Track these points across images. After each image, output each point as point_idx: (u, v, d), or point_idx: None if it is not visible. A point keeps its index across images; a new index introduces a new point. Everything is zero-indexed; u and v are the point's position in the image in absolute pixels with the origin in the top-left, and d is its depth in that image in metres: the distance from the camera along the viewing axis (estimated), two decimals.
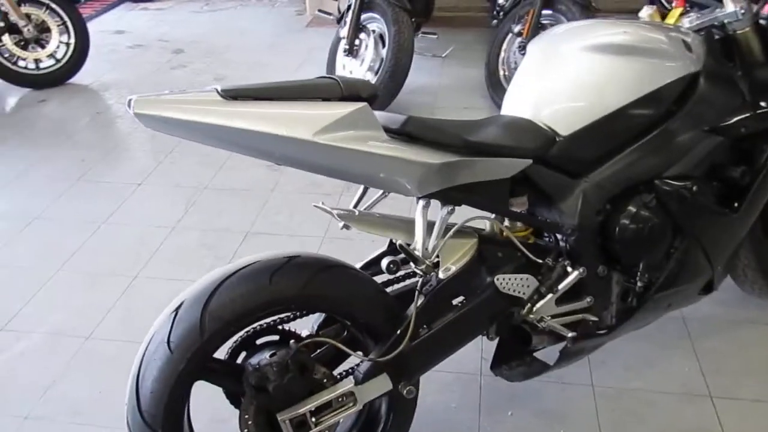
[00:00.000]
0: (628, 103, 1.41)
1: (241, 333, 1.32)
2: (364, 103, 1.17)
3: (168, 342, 1.19)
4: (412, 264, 1.25)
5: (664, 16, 1.82)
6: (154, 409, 1.18)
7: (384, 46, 3.24)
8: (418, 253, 1.24)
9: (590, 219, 1.42)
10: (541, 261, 1.42)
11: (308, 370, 1.28)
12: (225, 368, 1.30)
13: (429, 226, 1.29)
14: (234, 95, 1.10)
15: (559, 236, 1.46)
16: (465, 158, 1.25)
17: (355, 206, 1.38)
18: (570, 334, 1.44)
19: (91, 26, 4.55)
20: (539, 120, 1.43)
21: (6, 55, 3.92)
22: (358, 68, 3.38)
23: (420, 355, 1.35)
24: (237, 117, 1.08)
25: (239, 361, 1.34)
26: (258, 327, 1.35)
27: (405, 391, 1.33)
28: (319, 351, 1.38)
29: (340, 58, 3.45)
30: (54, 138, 3.38)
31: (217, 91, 1.09)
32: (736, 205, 1.56)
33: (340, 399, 1.30)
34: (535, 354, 1.57)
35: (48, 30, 4.00)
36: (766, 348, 1.90)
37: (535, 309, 1.42)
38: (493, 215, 1.42)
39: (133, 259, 2.38)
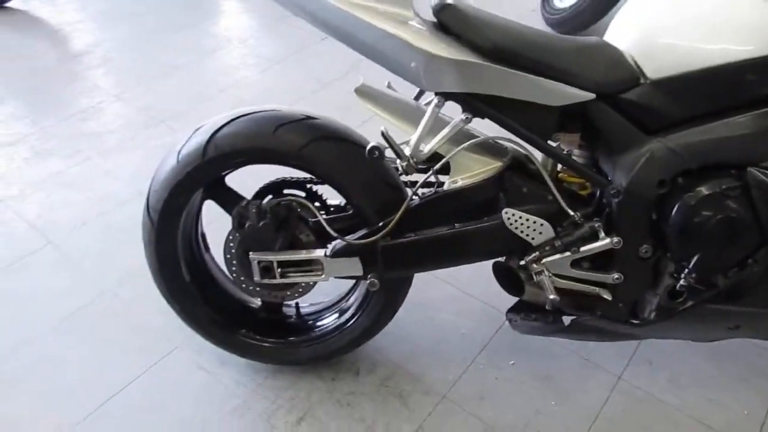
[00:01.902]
0: (747, 58, 1.09)
1: (277, 178, 1.40)
2: None
3: (178, 153, 1.31)
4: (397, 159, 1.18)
5: None
6: (155, 204, 1.34)
7: None
8: (408, 148, 1.17)
9: (648, 187, 1.18)
10: (571, 212, 1.24)
11: (288, 225, 1.33)
12: (230, 196, 1.40)
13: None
14: None
15: (605, 194, 1.24)
16: (494, 65, 1.11)
17: None
18: (551, 296, 1.26)
19: None
20: (630, 53, 1.18)
21: None
22: None
23: (396, 256, 1.30)
24: None
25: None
26: (294, 179, 1.42)
27: (368, 282, 1.32)
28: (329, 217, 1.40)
29: None
30: None
31: None
32: None
33: (308, 263, 1.34)
34: (561, 316, 1.42)
35: None
36: None
37: (543, 261, 1.27)
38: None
39: None
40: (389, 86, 1.30)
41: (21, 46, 3.01)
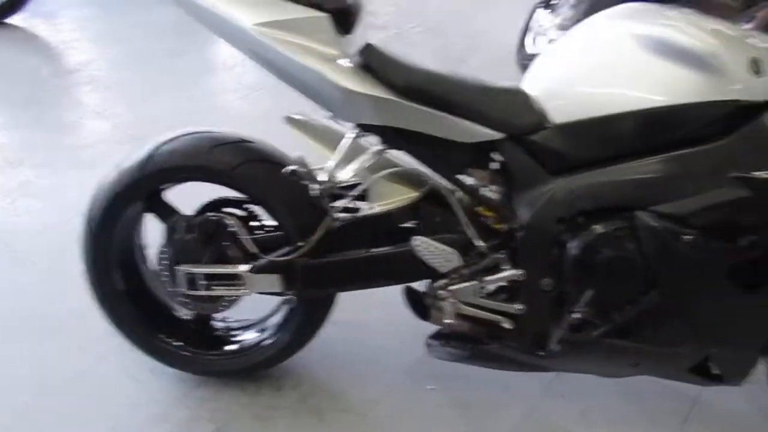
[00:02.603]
0: (639, 109, 1.18)
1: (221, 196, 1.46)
2: (324, 15, 1.19)
3: (119, 166, 1.40)
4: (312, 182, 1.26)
5: None
6: (93, 214, 1.42)
7: None
8: (324, 173, 1.25)
9: (548, 224, 1.26)
10: (478, 243, 1.32)
11: (216, 240, 1.40)
12: (168, 210, 1.47)
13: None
14: None
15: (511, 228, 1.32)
16: (406, 102, 1.20)
17: None
18: (447, 321, 1.33)
19: None
20: (539, 99, 1.27)
21: None
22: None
23: (314, 275, 1.38)
24: None
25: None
26: (236, 198, 1.50)
27: (286, 297, 1.39)
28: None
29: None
30: None
31: None
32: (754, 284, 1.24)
33: (232, 277, 1.41)
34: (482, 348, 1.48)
35: None
36: None
37: (450, 288, 1.34)
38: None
39: None
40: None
41: (13, 61, 3.15)
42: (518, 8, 3.28)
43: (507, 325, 1.35)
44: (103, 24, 3.63)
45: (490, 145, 1.27)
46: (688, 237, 1.19)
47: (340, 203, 1.34)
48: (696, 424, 1.61)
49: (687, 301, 1.27)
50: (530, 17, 3.31)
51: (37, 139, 2.55)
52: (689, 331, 1.31)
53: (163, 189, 1.47)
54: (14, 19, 3.52)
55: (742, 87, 1.14)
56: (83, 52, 3.29)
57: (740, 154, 1.17)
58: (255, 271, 1.38)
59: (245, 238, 1.37)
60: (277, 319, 1.55)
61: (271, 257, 1.36)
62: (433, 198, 1.35)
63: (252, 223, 1.48)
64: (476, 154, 1.29)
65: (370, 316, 1.81)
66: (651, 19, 1.21)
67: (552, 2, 3.17)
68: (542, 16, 3.27)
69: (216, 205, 1.49)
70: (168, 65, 3.22)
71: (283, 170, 1.26)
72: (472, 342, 1.44)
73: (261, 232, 1.47)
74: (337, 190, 1.31)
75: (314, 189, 1.26)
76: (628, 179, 1.21)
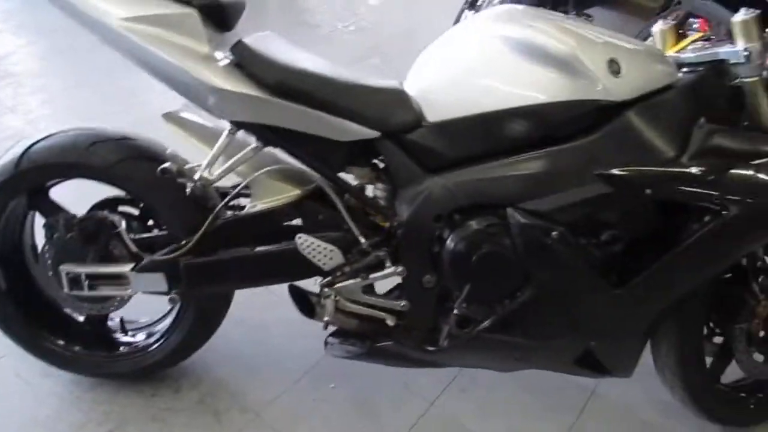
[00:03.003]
0: (507, 108, 1.20)
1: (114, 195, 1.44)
2: (192, 10, 1.18)
3: None
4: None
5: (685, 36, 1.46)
6: None
7: None
8: (197, 170, 1.24)
9: (426, 221, 1.28)
10: (362, 240, 1.32)
11: (98, 239, 1.38)
12: (51, 209, 1.44)
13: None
14: None
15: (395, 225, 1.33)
16: (277, 100, 1.20)
17: None
18: (326, 318, 1.34)
19: None
20: (416, 98, 1.29)
21: None
22: None
23: (198, 273, 1.36)
24: None
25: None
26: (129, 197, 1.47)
27: (169, 297, 1.38)
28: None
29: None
30: None
31: None
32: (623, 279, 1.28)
33: (116, 276, 1.39)
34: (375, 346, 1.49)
35: None
36: None
37: (335, 285, 1.35)
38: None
39: None
40: None
41: None
42: (454, 10, 3.31)
43: (390, 321, 1.37)
44: (27, 16, 3.52)
45: (370, 144, 1.28)
46: (555, 233, 1.22)
47: (223, 201, 1.33)
48: (592, 415, 1.66)
49: (560, 295, 1.30)
50: (457, 18, 3.35)
51: None
52: (566, 325, 1.34)
53: (48, 186, 1.44)
54: None
55: (602, 87, 1.18)
56: (1, 45, 3.19)
57: (602, 152, 1.20)
58: (138, 270, 1.36)
59: (127, 237, 1.35)
60: (169, 319, 1.54)
61: (155, 256, 1.35)
62: (317, 196, 1.36)
63: (150, 223, 1.46)
64: (356, 153, 1.30)
65: (274, 316, 1.80)
66: (519, 22, 1.23)
67: (477, 4, 3.21)
68: (468, 17, 3.32)
69: (111, 203, 1.47)
70: (90, 60, 3.13)
71: (160, 168, 1.25)
72: (367, 339, 1.45)
73: (153, 231, 1.46)
74: (218, 188, 1.30)
75: (188, 186, 1.24)
76: (499, 176, 1.23)
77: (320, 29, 3.60)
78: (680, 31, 1.45)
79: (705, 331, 1.55)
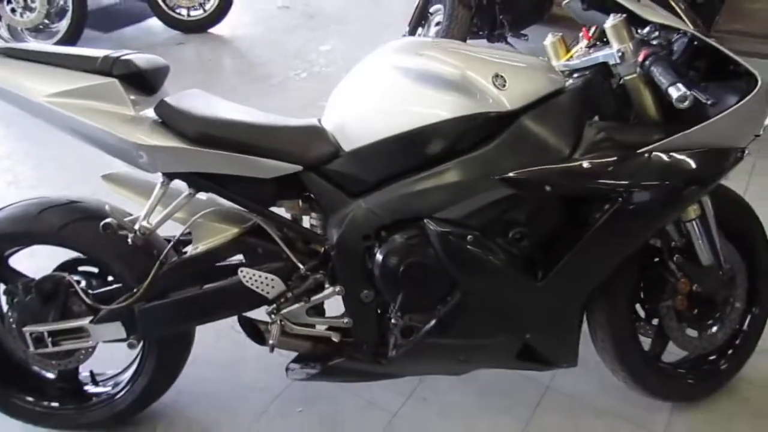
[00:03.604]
0: (408, 130, 1.33)
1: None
2: (112, 80, 1.31)
3: None
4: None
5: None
6: None
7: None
8: (136, 225, 1.36)
9: (355, 242, 1.38)
10: (300, 266, 1.43)
11: (55, 298, 1.47)
12: (11, 276, 1.54)
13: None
14: (8, 54, 1.31)
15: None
16: (198, 149, 1.32)
17: None
18: (271, 342, 1.43)
19: None
20: (332, 131, 1.41)
21: (170, 3, 4.52)
22: None
23: (152, 317, 1.45)
24: None
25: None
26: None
27: (128, 343, 1.47)
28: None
29: None
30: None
31: None
32: (540, 273, 1.39)
33: (76, 330, 1.48)
34: (330, 364, 1.58)
35: None
36: None
37: (282, 312, 1.45)
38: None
39: None
40: None
41: None
42: None
43: (335, 338, 1.46)
44: None
45: (295, 177, 1.39)
46: (470, 237, 1.33)
47: (166, 248, 1.44)
48: (548, 408, 1.75)
49: (488, 294, 1.40)
50: None
51: None
52: (499, 322, 1.44)
53: (6, 256, 1.55)
54: None
55: (491, 100, 1.30)
56: None
57: (501, 157, 1.32)
58: (96, 322, 1.46)
59: (82, 292, 1.45)
60: (133, 368, 1.62)
61: (110, 306, 1.45)
62: (255, 231, 1.46)
63: (110, 279, 1.56)
64: (285, 187, 1.41)
65: (241, 353, 1.89)
66: (411, 52, 1.37)
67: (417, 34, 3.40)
68: None
69: (72, 264, 1.57)
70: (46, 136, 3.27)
71: (101, 224, 1.35)
72: (322, 359, 1.54)
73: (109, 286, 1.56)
74: (166, 238, 1.41)
75: (129, 237, 1.35)
76: (413, 192, 1.35)
77: (272, 79, 3.78)
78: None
79: (643, 314, 1.66)
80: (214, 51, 4.36)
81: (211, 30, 4.65)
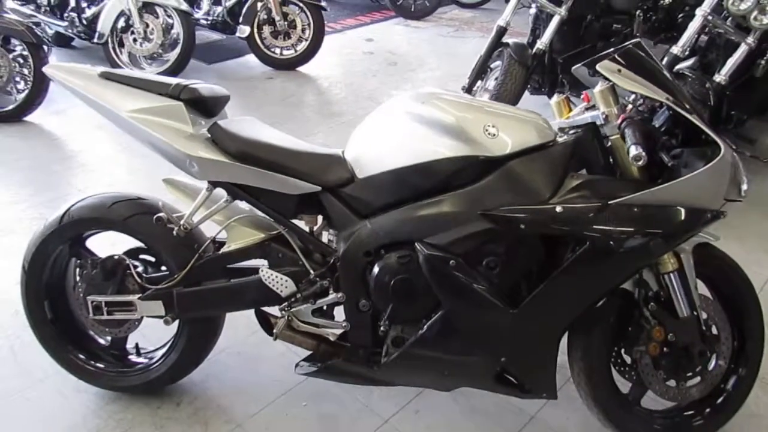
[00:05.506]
0: (409, 164, 1.56)
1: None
2: (179, 103, 1.64)
3: (46, 220, 1.84)
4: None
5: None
6: (27, 257, 1.84)
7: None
8: (182, 221, 1.66)
9: (357, 256, 1.62)
10: (311, 272, 1.68)
11: (116, 275, 1.80)
12: (86, 254, 1.89)
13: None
14: (107, 77, 1.68)
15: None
16: (238, 164, 1.61)
17: None
18: (275, 332, 1.67)
19: (357, 31, 5.86)
20: (350, 159, 1.67)
21: (266, 43, 5.08)
22: None
23: (187, 301, 1.75)
24: (93, 88, 1.66)
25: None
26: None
27: (164, 319, 1.76)
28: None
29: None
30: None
31: (98, 73, 1.68)
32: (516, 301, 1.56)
33: (127, 304, 1.79)
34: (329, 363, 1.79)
35: (295, 27, 5.09)
36: None
37: (291, 309, 1.69)
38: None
39: None
40: None
41: (21, 150, 3.72)
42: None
43: (332, 337, 1.69)
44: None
45: (315, 196, 1.65)
46: (452, 261, 1.53)
47: (205, 243, 1.74)
48: None
49: (465, 315, 1.59)
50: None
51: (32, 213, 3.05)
52: (476, 342, 1.62)
53: (85, 237, 1.90)
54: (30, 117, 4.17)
55: (482, 146, 1.52)
56: (76, 142, 3.85)
57: (485, 195, 1.53)
58: (142, 298, 1.77)
59: (135, 274, 1.77)
60: (168, 345, 1.91)
61: (155, 287, 1.75)
62: (278, 239, 1.73)
63: (163, 268, 1.88)
64: (304, 203, 1.68)
65: (266, 350, 2.15)
66: (421, 101, 1.61)
67: (473, 89, 3.63)
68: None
69: (135, 251, 1.90)
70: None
71: (155, 217, 1.67)
72: (323, 359, 1.77)
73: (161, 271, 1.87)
74: (203, 233, 1.71)
75: (174, 230, 1.66)
76: (409, 218, 1.58)
77: (343, 117, 4.15)
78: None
79: (628, 359, 1.76)
80: (298, 87, 4.80)
81: (299, 68, 5.14)
